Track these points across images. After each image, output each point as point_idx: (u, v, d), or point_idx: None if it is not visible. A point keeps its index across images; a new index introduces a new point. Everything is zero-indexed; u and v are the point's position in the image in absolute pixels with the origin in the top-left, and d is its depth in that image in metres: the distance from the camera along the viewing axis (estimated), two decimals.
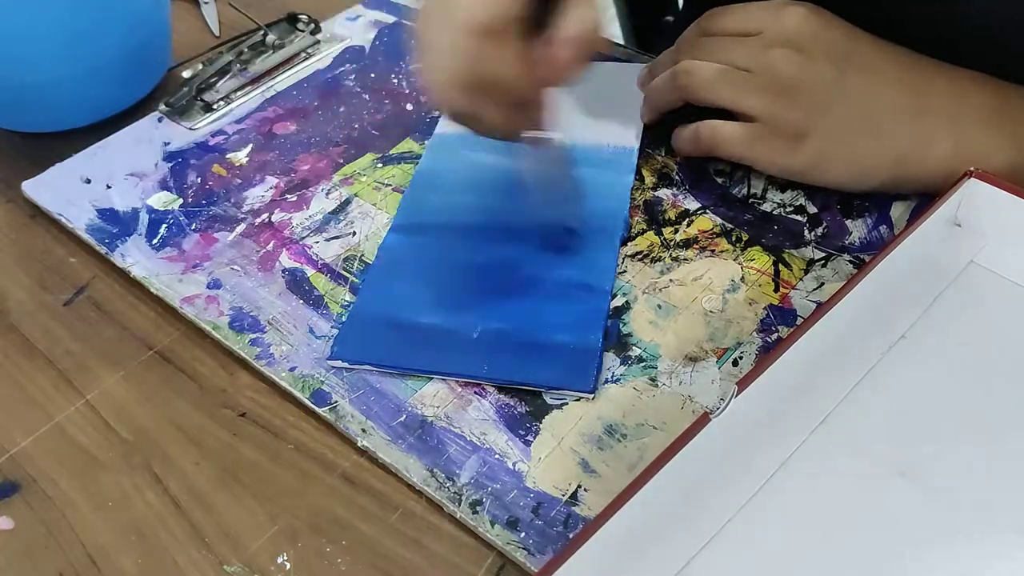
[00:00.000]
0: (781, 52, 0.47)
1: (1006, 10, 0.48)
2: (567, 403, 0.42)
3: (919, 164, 0.47)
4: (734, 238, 0.49)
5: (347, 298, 0.48)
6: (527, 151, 0.45)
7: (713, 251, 0.48)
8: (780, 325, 0.44)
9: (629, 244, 0.49)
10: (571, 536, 0.37)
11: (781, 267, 0.47)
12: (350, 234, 0.51)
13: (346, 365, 0.44)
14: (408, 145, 0.57)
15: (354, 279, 0.49)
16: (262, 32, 0.66)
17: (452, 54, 0.41)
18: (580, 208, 0.48)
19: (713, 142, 0.50)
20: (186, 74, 0.63)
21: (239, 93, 0.62)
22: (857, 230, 0.48)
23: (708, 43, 0.50)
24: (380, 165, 0.56)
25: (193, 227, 0.53)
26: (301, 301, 0.48)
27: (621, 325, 0.45)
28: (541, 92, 0.43)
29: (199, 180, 0.56)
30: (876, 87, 0.47)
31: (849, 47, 0.47)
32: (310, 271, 0.49)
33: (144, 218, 0.54)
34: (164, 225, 0.53)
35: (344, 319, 0.46)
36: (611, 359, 0.43)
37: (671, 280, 0.47)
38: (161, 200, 0.55)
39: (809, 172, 0.48)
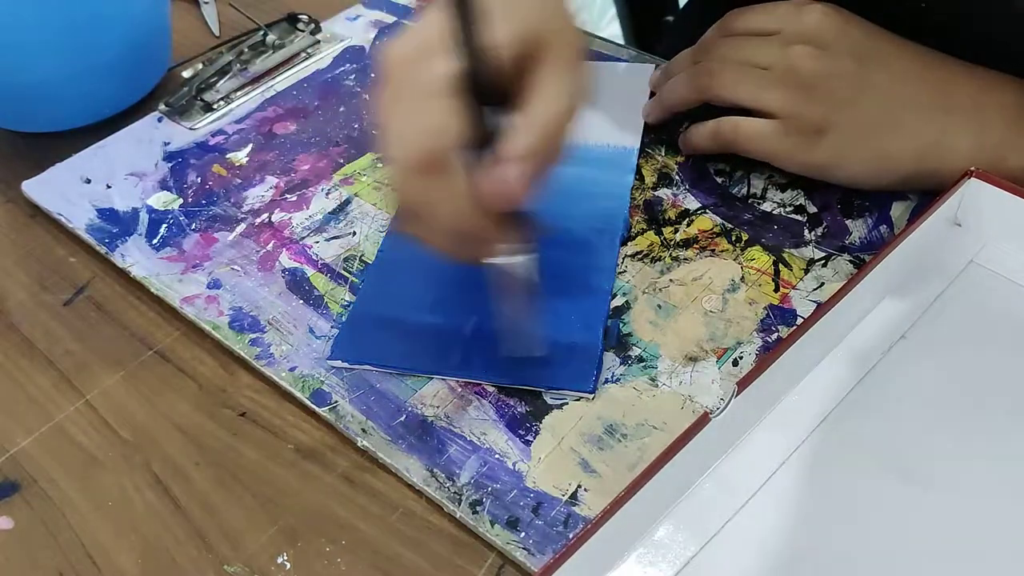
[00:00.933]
0: (801, 49, 0.47)
1: None
2: (567, 403, 0.42)
3: (939, 161, 0.47)
4: (734, 238, 0.49)
5: (347, 298, 0.48)
6: (492, 276, 0.39)
7: (713, 251, 0.48)
8: (780, 325, 0.44)
9: (629, 244, 0.49)
10: (571, 536, 0.37)
11: (781, 267, 0.47)
12: (350, 234, 0.51)
13: (346, 365, 0.44)
14: None
15: (354, 279, 0.49)
16: (262, 32, 0.66)
17: (394, 186, 0.37)
18: (542, 339, 0.41)
19: (734, 138, 0.50)
20: (186, 74, 0.63)
21: (239, 93, 0.62)
22: (857, 230, 0.48)
23: (728, 43, 0.50)
24: (380, 165, 0.56)
25: (193, 227, 0.53)
26: (301, 301, 0.48)
27: (621, 325, 0.45)
28: (491, 220, 0.37)
29: (199, 180, 0.56)
30: (897, 84, 0.47)
31: (869, 44, 0.48)
32: (310, 271, 0.49)
33: (144, 218, 0.54)
34: (164, 225, 0.53)
35: (344, 319, 0.46)
36: (611, 359, 0.43)
37: (671, 280, 0.47)
38: (161, 200, 0.55)
39: (829, 168, 0.48)
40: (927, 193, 0.49)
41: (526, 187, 0.36)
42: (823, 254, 0.47)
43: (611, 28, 1.64)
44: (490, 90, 0.35)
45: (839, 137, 0.47)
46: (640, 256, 0.48)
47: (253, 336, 0.46)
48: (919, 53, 0.48)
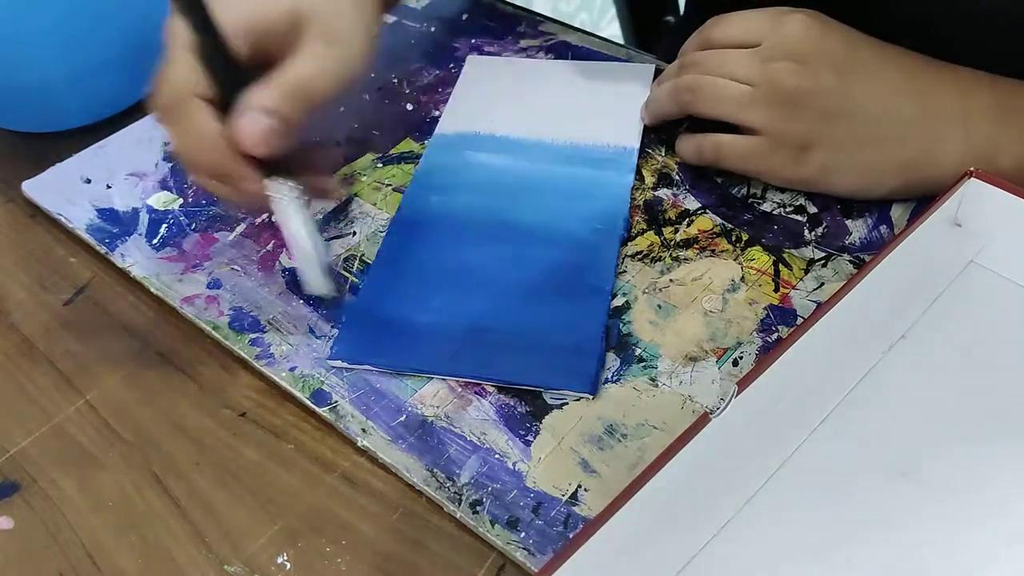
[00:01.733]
0: (782, 65, 0.46)
1: (1008, 6, 0.48)
2: (567, 403, 0.42)
3: (929, 168, 0.46)
4: (734, 238, 0.49)
5: (347, 298, 0.48)
6: (276, 216, 0.45)
7: (713, 251, 0.48)
8: (780, 325, 0.44)
9: (629, 244, 0.49)
10: (571, 536, 0.37)
11: (781, 267, 0.47)
12: (350, 234, 0.51)
13: (346, 365, 0.44)
14: (408, 145, 0.57)
15: (354, 279, 0.49)
16: None
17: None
18: (334, 280, 0.46)
19: (716, 156, 0.50)
20: None
21: None
22: (857, 230, 0.48)
23: (709, 57, 0.50)
24: (380, 165, 0.56)
25: (193, 227, 0.53)
26: (301, 301, 0.48)
27: (621, 325, 0.45)
28: (242, 162, 0.43)
29: None
30: (880, 94, 0.46)
31: (850, 54, 0.47)
32: None
33: (144, 218, 0.54)
34: (164, 225, 0.53)
35: (344, 319, 0.46)
36: (611, 359, 0.43)
37: (671, 280, 0.47)
38: (161, 200, 0.55)
39: (817, 183, 0.48)
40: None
41: (266, 135, 0.42)
42: (823, 254, 0.47)
43: (611, 28, 1.64)
44: (227, 55, 0.42)
45: (824, 152, 0.47)
46: (640, 256, 0.48)
47: (253, 336, 0.46)
48: (902, 60, 0.48)
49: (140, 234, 0.53)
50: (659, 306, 0.46)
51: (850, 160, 0.47)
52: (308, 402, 0.43)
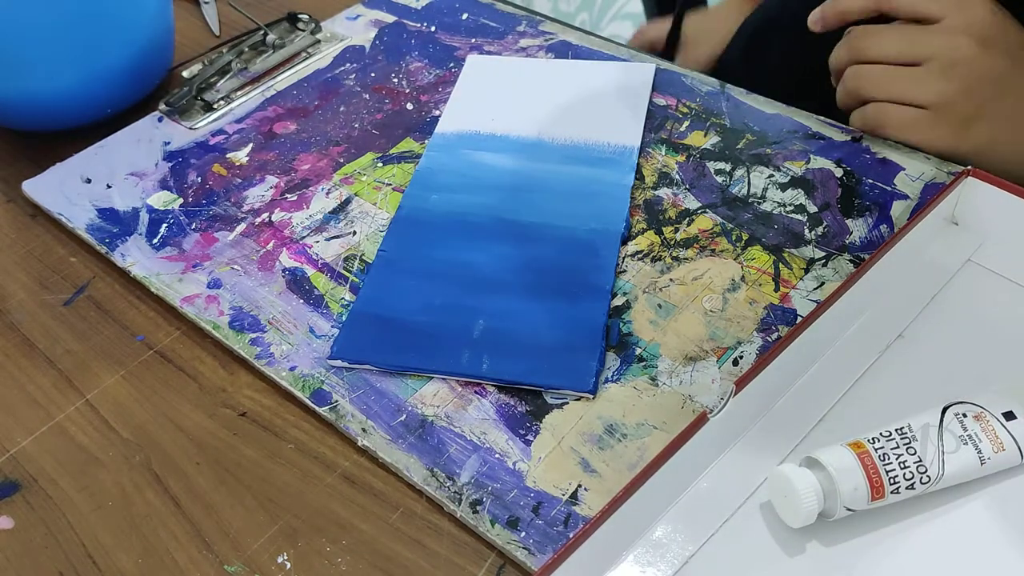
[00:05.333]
0: (962, 41, 0.48)
1: None
2: (567, 403, 0.42)
3: None
4: (734, 237, 0.49)
5: (347, 297, 0.48)
6: None
7: (713, 250, 0.48)
8: (780, 324, 0.44)
9: (629, 243, 0.49)
10: (571, 535, 0.37)
11: (781, 266, 0.47)
12: (350, 233, 0.51)
13: (346, 364, 0.44)
14: (408, 145, 0.57)
15: (354, 279, 0.49)
16: (262, 32, 0.66)
17: None
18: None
19: (878, 123, 0.51)
20: (186, 74, 0.63)
21: (239, 93, 0.62)
22: (857, 229, 0.49)
23: (884, 34, 0.50)
24: (380, 164, 0.56)
25: (193, 227, 0.53)
26: (301, 300, 0.48)
27: (621, 324, 0.45)
28: None
29: (199, 180, 0.56)
30: None
31: None
32: (310, 270, 0.49)
33: (144, 218, 0.54)
34: (164, 225, 0.53)
35: (344, 318, 0.46)
36: (611, 359, 0.43)
37: (671, 279, 0.47)
38: (161, 200, 0.55)
39: (976, 157, 0.49)
40: (927, 193, 0.49)
41: None
42: (823, 254, 0.47)
43: (611, 28, 1.64)
44: None
45: (988, 128, 0.48)
46: (640, 256, 0.48)
47: (253, 336, 0.46)
48: None
49: (140, 234, 0.53)
50: (659, 305, 0.46)
51: (1014, 137, 0.48)
52: (308, 402, 0.43)
